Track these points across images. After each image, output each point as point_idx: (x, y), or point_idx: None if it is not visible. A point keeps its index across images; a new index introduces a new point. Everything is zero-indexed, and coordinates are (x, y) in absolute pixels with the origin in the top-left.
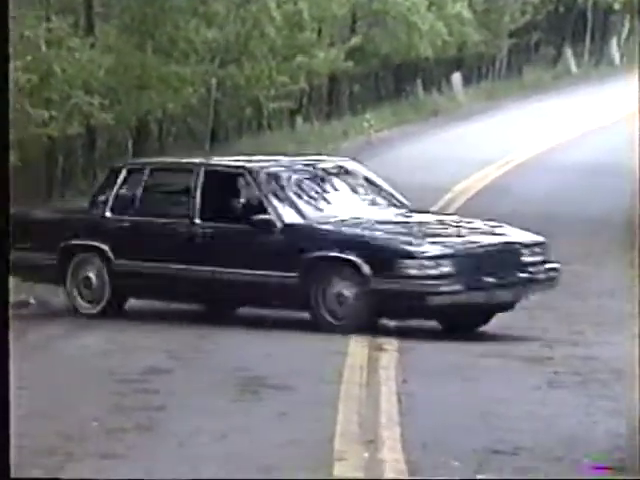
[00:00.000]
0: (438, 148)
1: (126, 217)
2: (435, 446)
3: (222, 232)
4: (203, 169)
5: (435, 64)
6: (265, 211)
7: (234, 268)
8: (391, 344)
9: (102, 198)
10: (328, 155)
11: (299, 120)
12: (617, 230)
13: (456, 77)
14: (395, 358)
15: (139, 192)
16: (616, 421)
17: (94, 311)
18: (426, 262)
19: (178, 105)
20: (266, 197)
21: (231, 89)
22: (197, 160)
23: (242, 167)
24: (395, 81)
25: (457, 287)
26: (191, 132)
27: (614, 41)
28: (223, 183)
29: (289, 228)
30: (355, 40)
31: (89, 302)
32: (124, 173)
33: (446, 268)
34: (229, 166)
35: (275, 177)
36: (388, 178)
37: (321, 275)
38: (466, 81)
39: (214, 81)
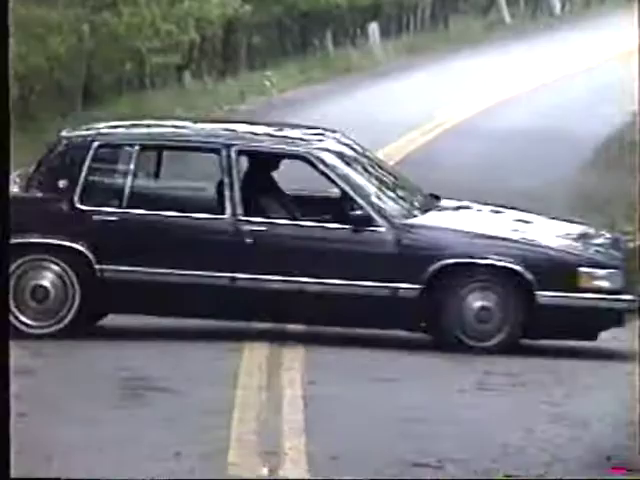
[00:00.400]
0: (353, 111)
1: (113, 209)
2: (346, 459)
3: (279, 232)
4: (234, 149)
5: (348, 13)
6: (351, 206)
7: (315, 277)
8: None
9: (54, 181)
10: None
11: (188, 77)
12: (559, 207)
13: (372, 28)
14: (301, 356)
15: (128, 177)
16: (555, 428)
17: (47, 330)
18: (610, 271)
19: (43, 57)
20: (353, 187)
21: (107, 39)
22: (221, 138)
23: (298, 150)
24: (302, 32)
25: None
26: (60, 89)
27: None
28: (268, 168)
29: (403, 227)
30: None
31: (39, 319)
32: (93, 149)
33: (618, 277)
34: (278, 148)
35: (346, 160)
36: None
37: (459, 287)
38: (384, 33)
39: (86, 28)
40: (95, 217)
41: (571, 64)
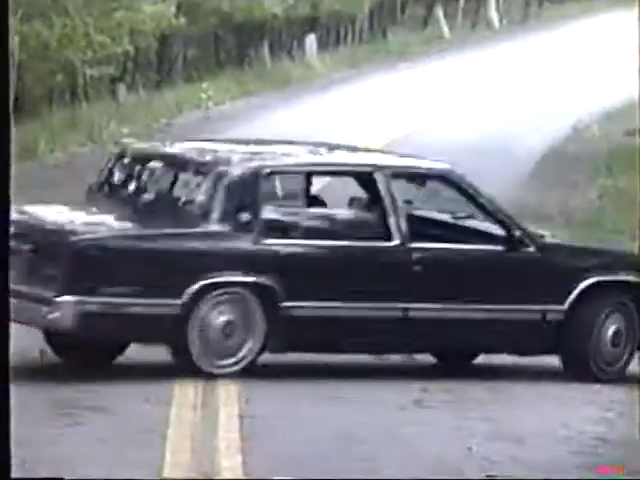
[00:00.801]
0: (290, 124)
1: (294, 241)
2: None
3: (443, 257)
4: (386, 172)
5: (285, 24)
6: (503, 227)
7: (468, 304)
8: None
9: (233, 214)
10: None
11: (122, 89)
12: None
13: (310, 40)
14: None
15: (302, 206)
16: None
17: (232, 370)
18: None
19: None
20: (496, 208)
21: (38, 49)
22: (370, 161)
23: (440, 170)
24: (238, 44)
25: None
26: None
27: (492, 0)
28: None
29: (545, 246)
30: None
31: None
32: (263, 178)
33: None
34: (423, 168)
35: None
36: None
37: (600, 307)
38: (322, 45)
39: (16, 40)
40: (278, 249)
41: (511, 78)
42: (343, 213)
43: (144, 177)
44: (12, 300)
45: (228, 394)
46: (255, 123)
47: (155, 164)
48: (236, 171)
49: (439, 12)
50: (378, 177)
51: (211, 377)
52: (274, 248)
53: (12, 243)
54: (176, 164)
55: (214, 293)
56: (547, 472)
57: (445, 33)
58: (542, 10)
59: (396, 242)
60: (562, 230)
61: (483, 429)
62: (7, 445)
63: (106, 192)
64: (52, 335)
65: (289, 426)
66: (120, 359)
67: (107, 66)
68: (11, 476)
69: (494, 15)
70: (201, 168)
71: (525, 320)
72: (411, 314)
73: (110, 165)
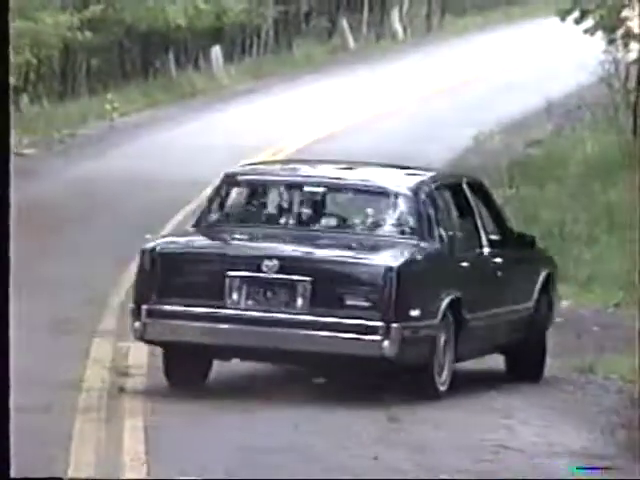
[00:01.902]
0: (197, 135)
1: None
2: None
3: (512, 261)
4: (465, 180)
5: (190, 35)
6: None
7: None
8: (140, 367)
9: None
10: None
11: (25, 100)
12: None
13: (215, 51)
14: (143, 385)
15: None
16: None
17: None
18: None
19: None
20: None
21: None
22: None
23: (475, 180)
24: (143, 55)
25: None
26: None
27: (396, 12)
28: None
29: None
30: (93, 7)
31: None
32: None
33: None
34: (457, 179)
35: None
36: (132, 170)
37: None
38: (227, 56)
39: None
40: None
41: (415, 89)
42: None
43: (303, 203)
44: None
45: (133, 406)
46: (160, 134)
47: (313, 189)
48: (425, 190)
49: (343, 23)
50: (465, 187)
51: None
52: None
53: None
54: (341, 188)
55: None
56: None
57: (350, 44)
58: (444, 22)
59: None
60: None
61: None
62: (7, 445)
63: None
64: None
65: (195, 438)
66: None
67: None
68: (11, 476)
69: (398, 26)
70: (382, 191)
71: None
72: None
73: (224, 193)
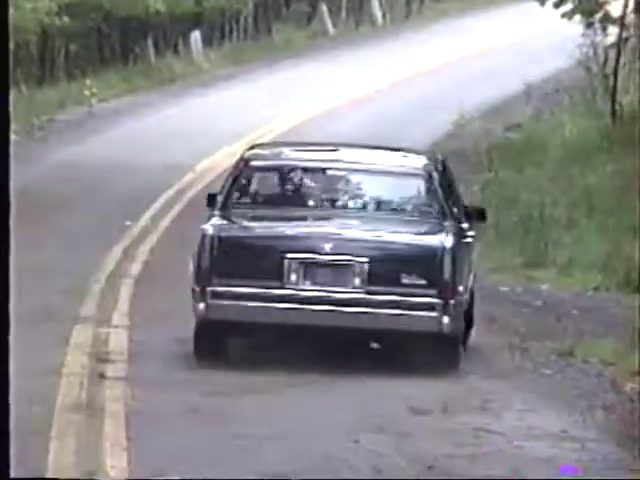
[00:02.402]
0: (176, 120)
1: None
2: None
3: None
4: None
5: (169, 21)
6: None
7: None
8: (120, 353)
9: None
10: None
11: None
12: None
13: (195, 36)
14: (124, 370)
15: None
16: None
17: None
18: None
19: None
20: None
21: None
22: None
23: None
24: (122, 40)
25: None
26: None
27: None
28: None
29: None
30: None
31: None
32: None
33: None
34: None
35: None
36: (112, 156)
37: None
38: (207, 41)
39: None
40: None
41: (395, 74)
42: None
43: (319, 184)
44: None
45: (114, 392)
46: (139, 120)
47: (334, 171)
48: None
49: (323, 8)
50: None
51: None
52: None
53: None
54: (346, 168)
55: None
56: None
57: (329, 30)
58: (424, 7)
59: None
60: None
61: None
62: (7, 445)
63: (258, 199)
64: None
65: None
66: None
67: None
68: (11, 476)
69: (378, 12)
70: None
71: None
72: None
73: (240, 174)
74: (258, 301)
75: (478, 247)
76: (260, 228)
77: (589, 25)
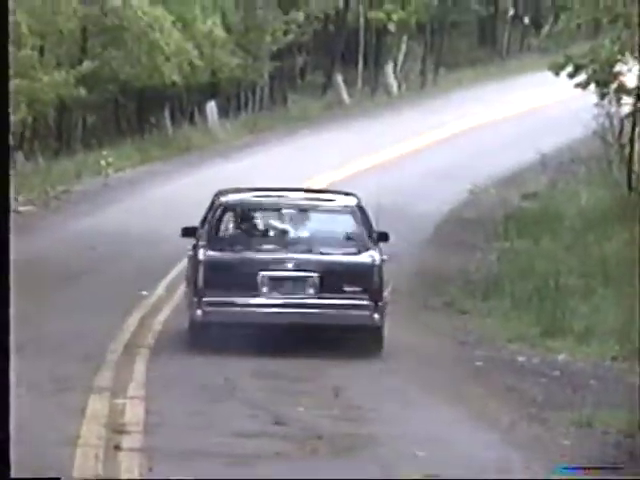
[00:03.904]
0: (191, 191)
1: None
2: None
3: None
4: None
5: (185, 91)
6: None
7: None
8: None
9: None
10: None
11: (20, 157)
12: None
13: (210, 107)
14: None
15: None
16: None
17: None
18: None
19: None
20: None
21: None
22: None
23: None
24: (138, 111)
25: None
26: None
27: (390, 67)
28: None
29: None
30: (87, 62)
31: None
32: None
33: None
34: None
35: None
36: (128, 226)
37: None
38: (223, 112)
39: None
40: None
41: (411, 143)
42: None
43: (276, 219)
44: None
45: None
46: (155, 189)
47: (287, 209)
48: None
49: (338, 78)
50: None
51: None
52: None
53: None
54: (295, 207)
55: None
56: None
57: (345, 99)
58: (438, 77)
59: None
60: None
61: None
62: (7, 445)
63: (230, 232)
64: None
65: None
66: None
67: None
68: (11, 476)
69: (393, 82)
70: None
71: None
72: None
73: (215, 213)
74: (240, 307)
75: (494, 315)
76: (239, 254)
77: (603, 96)
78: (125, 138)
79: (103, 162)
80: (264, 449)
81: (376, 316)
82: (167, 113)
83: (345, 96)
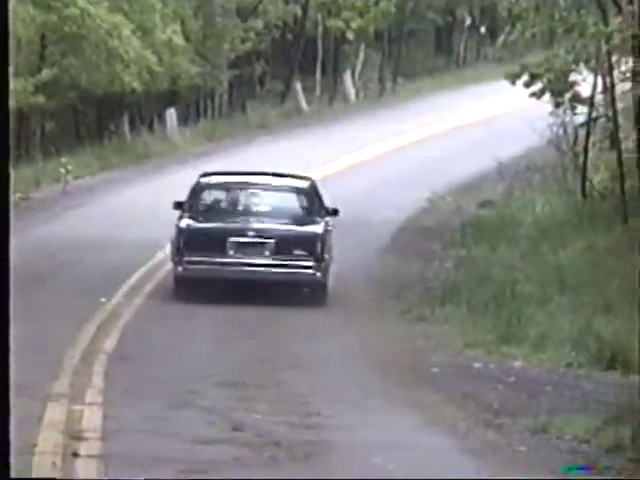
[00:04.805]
0: (150, 198)
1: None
2: None
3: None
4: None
5: (145, 99)
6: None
7: None
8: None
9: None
10: None
11: None
12: (358, 292)
13: (170, 114)
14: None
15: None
16: None
17: None
18: None
19: None
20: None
21: None
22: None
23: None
24: (97, 118)
25: None
26: None
27: (348, 75)
28: None
29: None
30: (46, 70)
31: None
32: None
33: None
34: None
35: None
36: (86, 233)
37: None
38: (182, 119)
39: None
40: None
41: (367, 151)
42: None
43: (244, 196)
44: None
45: None
46: (114, 196)
47: (250, 189)
48: (314, 189)
49: (297, 86)
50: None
51: None
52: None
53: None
54: (260, 187)
55: None
56: None
57: (303, 107)
58: (397, 85)
59: None
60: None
61: None
62: (7, 445)
63: (208, 206)
64: None
65: None
66: None
67: None
68: (11, 476)
69: (351, 90)
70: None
71: None
72: None
73: (196, 191)
74: (212, 265)
75: (452, 322)
76: (212, 224)
77: (558, 105)
78: (84, 145)
79: (62, 169)
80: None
81: (319, 274)
82: (126, 120)
83: (304, 104)
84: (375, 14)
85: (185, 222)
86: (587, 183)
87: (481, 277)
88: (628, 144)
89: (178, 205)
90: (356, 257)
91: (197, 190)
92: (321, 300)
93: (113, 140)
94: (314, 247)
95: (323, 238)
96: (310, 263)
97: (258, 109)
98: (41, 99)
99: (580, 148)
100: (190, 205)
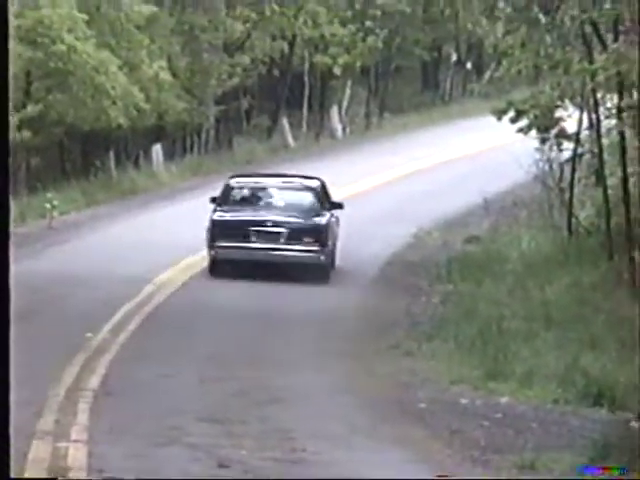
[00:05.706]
0: (136, 233)
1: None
2: None
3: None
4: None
5: (131, 134)
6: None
7: None
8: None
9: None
10: None
11: None
12: (347, 329)
13: (156, 150)
14: None
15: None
16: None
17: None
18: None
19: None
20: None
21: None
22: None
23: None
24: (83, 154)
25: None
26: None
27: (335, 110)
28: None
29: None
30: (31, 106)
31: None
32: None
33: None
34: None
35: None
36: (72, 269)
37: None
38: (168, 155)
39: None
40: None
41: (353, 187)
42: None
43: (263, 194)
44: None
45: None
46: (100, 232)
47: (269, 189)
48: (321, 188)
49: (284, 121)
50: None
51: None
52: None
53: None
54: (276, 186)
55: None
56: None
57: (290, 142)
58: (384, 120)
59: None
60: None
61: None
62: (7, 445)
63: (236, 201)
64: None
65: None
66: None
67: None
68: (11, 476)
69: (338, 125)
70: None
71: None
72: None
73: (226, 189)
74: (237, 249)
75: (438, 358)
76: (237, 216)
77: (544, 141)
78: (70, 181)
79: (48, 205)
80: None
81: (322, 257)
82: (112, 156)
83: (290, 139)
84: (362, 50)
85: (217, 215)
86: (573, 219)
87: (468, 313)
88: (614, 180)
89: (213, 200)
90: (340, 294)
91: (227, 189)
92: (324, 280)
93: (99, 176)
94: (319, 235)
95: (327, 228)
96: (316, 248)
97: (245, 144)
98: (26, 134)
99: (566, 184)
100: (221, 201)
